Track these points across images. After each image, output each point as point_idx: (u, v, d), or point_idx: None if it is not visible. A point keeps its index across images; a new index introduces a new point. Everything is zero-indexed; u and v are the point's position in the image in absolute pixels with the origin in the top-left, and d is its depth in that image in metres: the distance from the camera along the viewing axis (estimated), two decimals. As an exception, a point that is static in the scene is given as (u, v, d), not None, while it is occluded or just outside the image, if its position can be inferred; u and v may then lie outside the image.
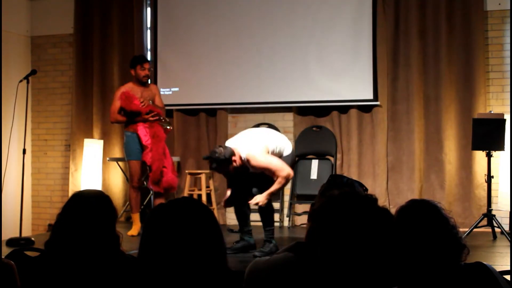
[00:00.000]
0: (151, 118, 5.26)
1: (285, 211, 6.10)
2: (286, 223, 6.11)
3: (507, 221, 5.29)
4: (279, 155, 4.36)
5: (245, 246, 4.48)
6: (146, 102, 5.30)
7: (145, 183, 5.88)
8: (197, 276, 1.41)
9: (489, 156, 4.96)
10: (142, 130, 5.23)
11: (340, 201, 1.60)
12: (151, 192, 5.92)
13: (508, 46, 5.61)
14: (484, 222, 4.93)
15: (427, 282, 1.66)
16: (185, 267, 1.40)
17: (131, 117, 5.28)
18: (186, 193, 5.99)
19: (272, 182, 4.26)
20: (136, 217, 5.46)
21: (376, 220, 1.55)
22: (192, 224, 1.44)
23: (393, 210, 1.75)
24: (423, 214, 1.74)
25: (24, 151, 5.24)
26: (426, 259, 1.68)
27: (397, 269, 1.64)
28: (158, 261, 1.41)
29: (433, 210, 1.76)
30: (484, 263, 1.75)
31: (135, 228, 5.38)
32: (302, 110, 6.21)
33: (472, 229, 4.87)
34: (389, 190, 5.90)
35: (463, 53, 5.69)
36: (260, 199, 4.28)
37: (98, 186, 6.24)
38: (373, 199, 1.64)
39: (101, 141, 6.54)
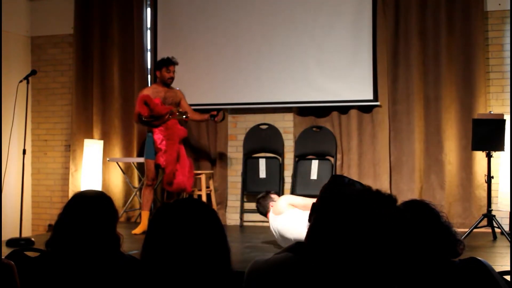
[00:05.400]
0: (170, 117, 5.48)
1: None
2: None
3: (507, 221, 5.29)
4: None
5: None
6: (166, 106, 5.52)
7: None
8: (201, 277, 1.41)
9: (489, 156, 4.95)
10: (158, 134, 5.45)
11: (361, 199, 1.57)
12: (165, 191, 5.98)
13: (508, 46, 5.61)
14: (484, 222, 4.92)
15: (424, 279, 1.66)
16: (188, 267, 1.40)
17: (149, 124, 5.48)
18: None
19: None
20: (144, 215, 5.50)
21: (393, 222, 1.52)
22: (196, 224, 1.44)
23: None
24: (415, 213, 1.75)
25: (24, 152, 5.24)
26: (422, 256, 1.68)
27: (395, 268, 1.64)
28: (161, 260, 1.41)
29: (423, 208, 1.77)
30: (478, 258, 1.75)
31: (141, 227, 5.42)
32: (302, 111, 6.21)
33: (472, 229, 4.87)
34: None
35: (463, 53, 5.69)
36: None
37: (98, 187, 6.23)
38: (392, 199, 1.60)
39: (101, 142, 6.54)
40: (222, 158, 6.42)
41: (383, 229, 1.49)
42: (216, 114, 5.60)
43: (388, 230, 1.50)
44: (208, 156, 6.48)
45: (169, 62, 5.54)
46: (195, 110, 6.06)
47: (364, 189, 1.62)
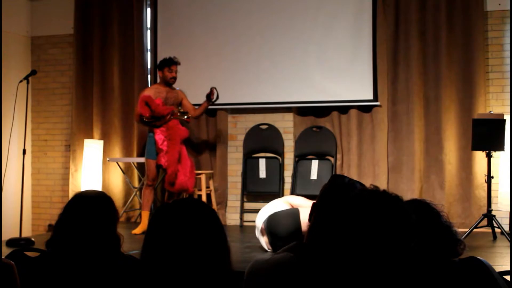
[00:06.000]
0: (171, 117, 5.48)
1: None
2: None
3: (507, 221, 5.30)
4: None
5: None
6: (168, 107, 5.52)
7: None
8: (201, 277, 1.41)
9: (489, 156, 4.95)
10: (159, 135, 5.45)
11: (364, 199, 1.57)
12: (166, 192, 5.98)
13: (508, 46, 5.61)
14: (484, 222, 4.92)
15: (424, 279, 1.66)
16: (188, 267, 1.40)
17: (151, 124, 5.48)
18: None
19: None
20: (144, 215, 5.51)
21: (397, 223, 1.51)
22: (196, 224, 1.44)
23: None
24: (415, 212, 1.75)
25: (24, 152, 5.24)
26: (422, 255, 1.68)
27: (395, 268, 1.63)
28: (161, 260, 1.41)
29: (424, 208, 1.77)
30: (478, 257, 1.75)
31: (141, 227, 5.43)
32: (302, 111, 6.21)
33: (472, 229, 4.87)
34: (389, 191, 5.88)
35: (463, 53, 5.69)
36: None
37: (98, 187, 6.23)
38: (399, 200, 1.60)
39: (101, 142, 6.54)
40: (222, 158, 6.42)
41: (386, 229, 1.49)
42: (209, 93, 5.59)
43: (391, 231, 1.49)
44: (208, 156, 6.48)
45: (171, 62, 5.53)
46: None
47: (370, 189, 1.61)
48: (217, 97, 5.65)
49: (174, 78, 5.56)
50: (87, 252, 1.90)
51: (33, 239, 5.06)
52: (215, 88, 5.61)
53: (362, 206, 1.53)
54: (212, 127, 6.47)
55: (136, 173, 6.56)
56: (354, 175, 5.79)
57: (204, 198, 5.91)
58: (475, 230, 4.90)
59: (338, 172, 5.96)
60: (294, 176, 6.07)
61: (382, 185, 5.81)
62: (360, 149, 6.00)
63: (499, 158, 5.31)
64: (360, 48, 5.94)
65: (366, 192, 1.59)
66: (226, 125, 6.44)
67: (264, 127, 6.31)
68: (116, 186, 6.65)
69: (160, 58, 5.84)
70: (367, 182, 5.94)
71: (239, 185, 6.32)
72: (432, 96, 5.80)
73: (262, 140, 6.27)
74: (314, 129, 6.14)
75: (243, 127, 6.40)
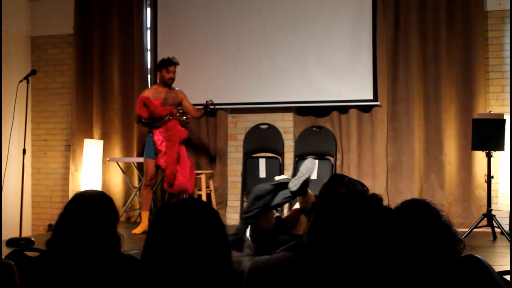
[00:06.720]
0: (171, 118, 5.48)
1: (285, 211, 6.10)
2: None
3: (507, 221, 5.30)
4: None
5: None
6: (167, 107, 5.52)
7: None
8: (202, 277, 1.41)
9: (489, 156, 4.96)
10: (158, 136, 5.46)
11: (346, 199, 1.59)
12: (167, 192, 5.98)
13: (508, 46, 5.62)
14: (484, 222, 4.92)
15: (423, 277, 1.67)
16: (190, 267, 1.40)
17: (150, 125, 5.49)
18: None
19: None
20: (144, 215, 5.51)
21: (380, 221, 1.54)
22: (198, 225, 1.44)
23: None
24: (415, 211, 1.76)
25: (24, 151, 5.24)
26: (422, 254, 1.69)
27: (395, 265, 1.64)
28: (163, 260, 1.41)
29: (424, 207, 1.78)
30: (476, 255, 1.76)
31: (141, 227, 5.43)
32: (302, 110, 6.21)
33: (472, 229, 4.87)
34: (389, 190, 5.90)
35: (463, 53, 5.69)
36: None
37: (98, 187, 6.24)
38: (378, 199, 1.63)
39: (101, 141, 6.54)
40: (222, 158, 6.42)
41: (371, 228, 1.51)
42: (205, 105, 5.59)
43: (377, 229, 1.51)
44: (208, 156, 6.48)
45: (169, 63, 5.52)
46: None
47: (350, 190, 1.64)
48: (213, 109, 5.68)
49: (172, 79, 5.55)
50: (87, 252, 1.90)
51: (33, 239, 5.05)
52: (211, 101, 5.62)
53: (344, 207, 1.55)
54: (212, 127, 6.48)
55: (136, 173, 6.56)
56: (354, 175, 5.79)
57: (204, 198, 5.91)
58: (475, 230, 4.90)
59: (338, 171, 5.97)
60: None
61: (382, 185, 5.86)
62: (360, 149, 6.01)
63: (499, 158, 5.31)
64: (360, 48, 5.94)
65: (342, 194, 1.61)
66: (226, 125, 6.44)
67: (264, 127, 6.31)
68: (116, 186, 6.65)
69: (160, 58, 5.83)
70: (367, 182, 5.98)
71: (239, 185, 6.32)
72: (432, 96, 5.80)
73: (262, 140, 6.28)
74: (314, 129, 6.14)
75: (243, 127, 6.41)
